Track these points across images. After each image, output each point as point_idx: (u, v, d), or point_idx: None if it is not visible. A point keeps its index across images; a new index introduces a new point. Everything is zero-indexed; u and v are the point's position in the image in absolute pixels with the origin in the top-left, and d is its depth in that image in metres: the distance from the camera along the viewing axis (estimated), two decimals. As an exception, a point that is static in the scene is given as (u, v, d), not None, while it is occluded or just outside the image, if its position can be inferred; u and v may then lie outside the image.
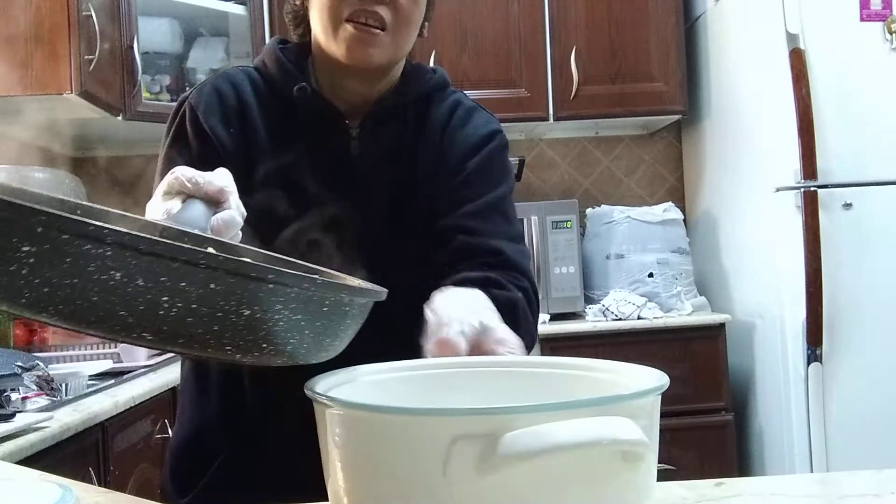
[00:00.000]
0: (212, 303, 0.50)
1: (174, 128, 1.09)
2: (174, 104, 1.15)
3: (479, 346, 0.78)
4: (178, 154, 1.04)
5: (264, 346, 0.54)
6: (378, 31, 1.02)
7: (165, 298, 0.49)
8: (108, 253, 0.47)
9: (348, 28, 1.01)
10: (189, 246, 0.50)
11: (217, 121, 1.05)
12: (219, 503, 1.05)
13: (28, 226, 0.45)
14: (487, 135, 1.13)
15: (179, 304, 0.50)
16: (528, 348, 0.90)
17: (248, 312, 0.52)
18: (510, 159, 1.18)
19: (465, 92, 1.21)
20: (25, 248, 0.46)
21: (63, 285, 0.47)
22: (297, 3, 1.12)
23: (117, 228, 0.47)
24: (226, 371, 1.07)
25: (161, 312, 0.50)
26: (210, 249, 0.54)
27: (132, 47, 2.63)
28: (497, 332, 0.79)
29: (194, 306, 0.50)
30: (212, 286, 0.50)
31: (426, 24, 1.11)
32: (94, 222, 0.47)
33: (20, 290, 0.47)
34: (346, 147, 1.08)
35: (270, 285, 0.52)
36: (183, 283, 0.49)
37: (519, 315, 0.97)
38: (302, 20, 1.12)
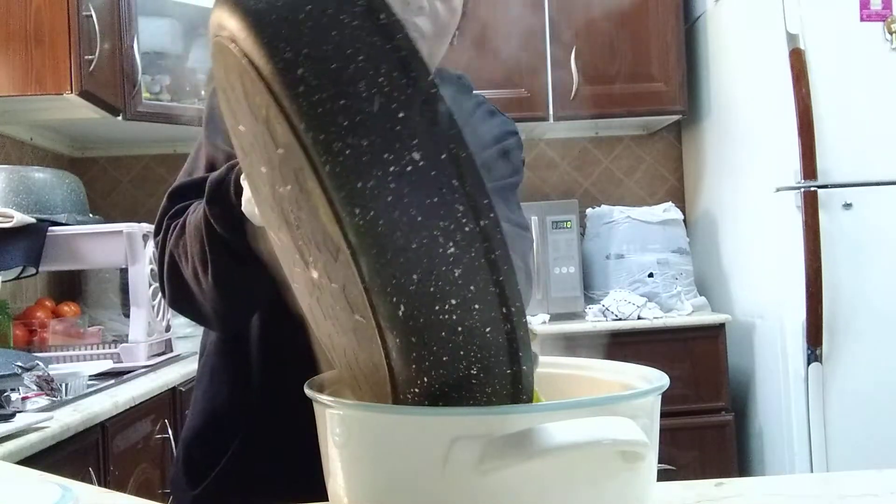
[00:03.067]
0: None
1: (217, 122, 1.08)
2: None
3: None
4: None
5: None
6: (416, 36, 1.03)
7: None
8: None
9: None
10: None
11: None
12: (228, 494, 1.06)
13: None
14: (505, 132, 1.18)
15: None
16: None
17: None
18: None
19: None
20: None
21: None
22: None
23: None
24: (237, 364, 1.08)
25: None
26: None
27: (132, 47, 2.63)
28: None
29: None
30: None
31: (456, 32, 1.13)
32: None
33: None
34: None
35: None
36: None
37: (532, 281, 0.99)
38: None
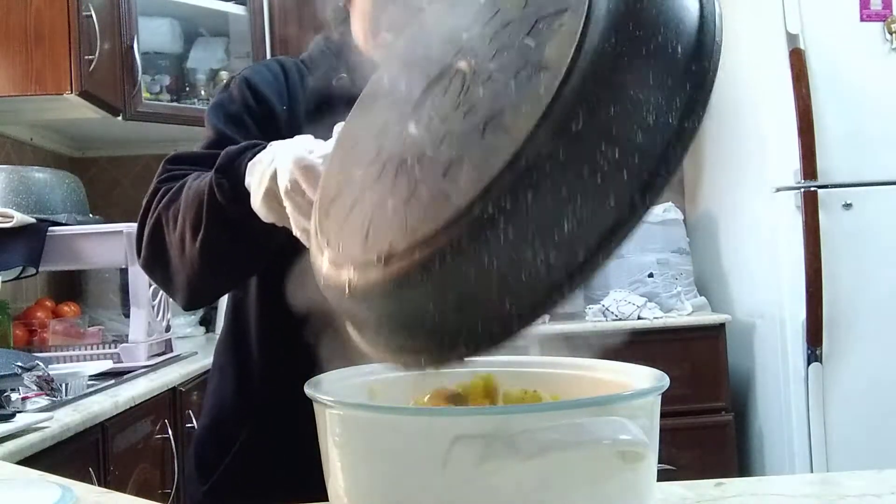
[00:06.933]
0: None
1: (223, 105, 1.08)
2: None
3: None
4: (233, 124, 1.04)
5: None
6: None
7: None
8: None
9: (389, 38, 1.04)
10: None
11: (271, 93, 1.07)
12: (235, 489, 1.08)
13: None
14: None
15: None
16: None
17: None
18: None
19: None
20: None
21: None
22: (340, 4, 1.14)
23: None
24: (241, 362, 1.09)
25: None
26: None
27: (132, 47, 2.63)
28: None
29: None
30: None
31: None
32: None
33: None
34: None
35: None
36: None
37: None
38: (343, 20, 1.14)
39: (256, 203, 0.83)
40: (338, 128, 0.74)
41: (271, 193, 0.80)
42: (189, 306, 1.06)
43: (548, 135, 0.44)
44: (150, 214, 0.97)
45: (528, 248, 0.45)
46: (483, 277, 0.46)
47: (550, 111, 0.44)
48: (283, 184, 0.77)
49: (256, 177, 0.83)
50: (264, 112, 1.05)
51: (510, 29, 0.52)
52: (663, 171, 0.47)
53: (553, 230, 0.45)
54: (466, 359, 0.51)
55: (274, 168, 0.79)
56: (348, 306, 0.55)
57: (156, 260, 0.97)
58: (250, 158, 0.86)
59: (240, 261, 0.93)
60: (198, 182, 0.92)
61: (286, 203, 0.77)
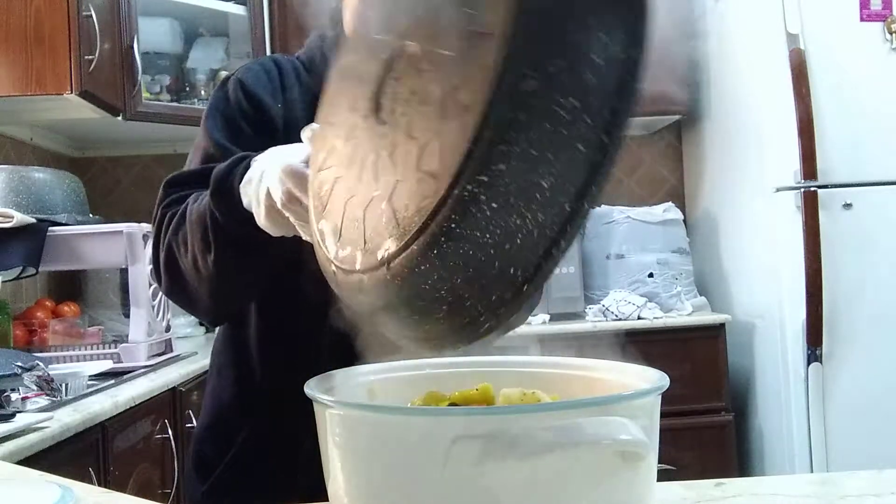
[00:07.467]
0: None
1: (219, 109, 1.09)
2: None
3: None
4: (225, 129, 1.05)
5: None
6: None
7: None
8: None
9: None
10: None
11: (265, 93, 1.08)
12: (234, 489, 1.08)
13: None
14: None
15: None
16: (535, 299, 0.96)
17: None
18: None
19: None
20: None
21: None
22: (334, 5, 1.15)
23: None
24: (240, 361, 1.10)
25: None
26: None
27: (132, 47, 2.63)
28: None
29: None
30: None
31: None
32: None
33: None
34: None
35: None
36: None
37: None
38: (339, 20, 1.14)
39: (262, 221, 0.83)
40: (307, 132, 0.74)
41: (272, 210, 0.80)
42: (216, 323, 1.08)
43: (504, 103, 0.45)
44: (161, 243, 0.99)
45: (514, 213, 0.47)
46: (481, 251, 0.47)
47: (501, 79, 0.45)
48: (277, 198, 0.77)
49: (252, 197, 0.83)
50: (259, 114, 1.06)
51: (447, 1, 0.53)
52: (623, 104, 0.48)
53: (534, 190, 0.47)
54: (494, 332, 0.52)
55: (266, 186, 0.80)
56: (368, 308, 0.56)
57: (175, 286, 0.99)
58: (240, 180, 0.86)
59: (255, 272, 0.94)
60: (197, 205, 0.93)
61: (287, 214, 0.78)
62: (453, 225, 0.47)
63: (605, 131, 0.47)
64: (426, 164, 0.49)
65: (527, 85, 0.45)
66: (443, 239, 0.47)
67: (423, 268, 0.49)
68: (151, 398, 1.87)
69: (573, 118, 0.46)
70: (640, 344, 3.17)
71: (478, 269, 0.48)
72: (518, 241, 0.47)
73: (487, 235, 0.47)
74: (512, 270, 0.48)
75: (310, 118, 0.99)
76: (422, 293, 0.50)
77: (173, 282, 0.99)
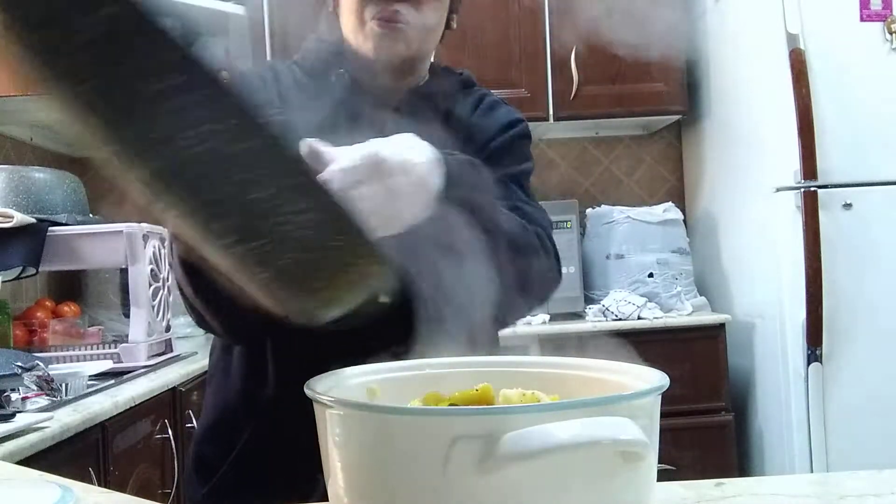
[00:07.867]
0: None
1: None
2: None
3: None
4: None
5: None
6: (401, 25, 1.07)
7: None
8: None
9: (373, 27, 1.08)
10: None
11: (262, 100, 1.09)
12: (235, 491, 1.08)
13: None
14: (511, 122, 1.20)
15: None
16: (537, 290, 1.04)
17: None
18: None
19: None
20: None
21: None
22: (330, 7, 1.17)
23: None
24: (241, 362, 1.10)
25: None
26: None
27: (132, 47, 2.62)
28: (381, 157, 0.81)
29: None
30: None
31: (454, 15, 1.17)
32: None
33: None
34: (380, 132, 1.11)
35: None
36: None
37: (530, 233, 1.03)
38: (335, 22, 1.15)
39: None
40: (304, 147, 0.77)
41: None
42: (237, 343, 1.08)
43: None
44: (173, 271, 1.00)
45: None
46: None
47: None
48: None
49: None
50: None
51: None
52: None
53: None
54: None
55: None
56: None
57: (195, 316, 1.00)
58: None
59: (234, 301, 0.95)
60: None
61: None
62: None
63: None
64: None
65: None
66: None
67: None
68: (151, 398, 1.87)
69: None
70: (640, 344, 3.18)
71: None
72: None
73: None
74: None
75: (307, 121, 1.00)
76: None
77: (193, 314, 1.00)
